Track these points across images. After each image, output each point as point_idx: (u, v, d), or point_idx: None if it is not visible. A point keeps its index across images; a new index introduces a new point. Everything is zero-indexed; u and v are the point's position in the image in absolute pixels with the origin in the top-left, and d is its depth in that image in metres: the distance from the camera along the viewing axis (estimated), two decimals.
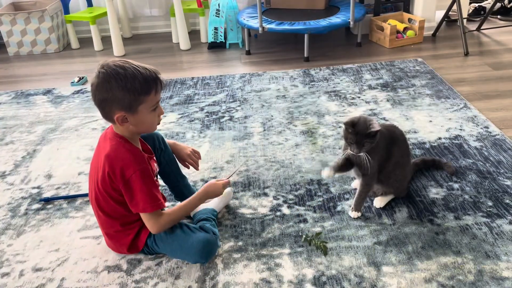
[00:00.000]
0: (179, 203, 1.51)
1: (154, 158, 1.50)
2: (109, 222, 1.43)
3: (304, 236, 1.53)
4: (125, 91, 1.24)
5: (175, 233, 1.42)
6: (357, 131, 1.47)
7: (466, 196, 1.67)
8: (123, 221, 1.42)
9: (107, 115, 1.31)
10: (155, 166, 1.47)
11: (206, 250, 1.41)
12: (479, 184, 1.73)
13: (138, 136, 1.41)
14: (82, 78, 3.02)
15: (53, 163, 2.08)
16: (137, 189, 1.32)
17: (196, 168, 1.67)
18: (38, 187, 1.90)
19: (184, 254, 1.43)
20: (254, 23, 3.16)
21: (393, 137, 1.57)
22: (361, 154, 1.48)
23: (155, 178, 1.45)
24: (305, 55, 3.14)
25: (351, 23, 3.11)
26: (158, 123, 1.39)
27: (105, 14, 3.53)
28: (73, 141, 2.26)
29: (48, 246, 1.57)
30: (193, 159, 1.65)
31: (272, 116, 2.38)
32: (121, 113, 1.28)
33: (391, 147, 1.55)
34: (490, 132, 2.08)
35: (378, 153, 1.52)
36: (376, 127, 1.45)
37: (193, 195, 1.49)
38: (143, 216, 1.37)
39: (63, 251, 1.54)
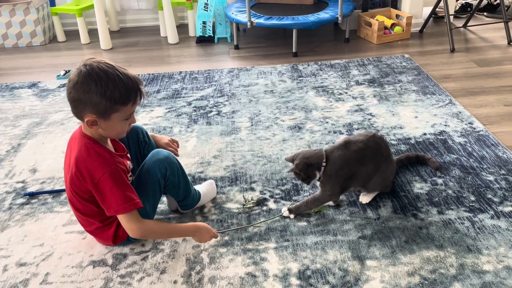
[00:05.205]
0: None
1: (128, 155, 1.48)
2: (87, 221, 1.43)
3: (243, 205, 1.67)
4: (102, 97, 1.21)
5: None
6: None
7: (450, 191, 1.70)
8: (100, 218, 1.42)
9: (77, 114, 1.27)
10: (128, 163, 1.44)
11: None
12: (463, 179, 1.76)
13: (107, 137, 1.38)
14: (68, 71, 2.99)
15: (38, 157, 2.06)
16: (107, 191, 1.29)
17: (177, 155, 1.66)
18: (22, 182, 1.88)
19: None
20: (243, 17, 3.16)
21: (375, 148, 1.60)
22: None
23: (130, 174, 1.44)
24: (294, 50, 3.14)
25: (340, 18, 3.12)
26: (128, 131, 1.37)
27: (92, 6, 3.49)
28: (59, 135, 2.24)
29: (33, 241, 1.56)
30: (173, 146, 1.65)
31: (260, 111, 2.38)
32: (92, 116, 1.25)
33: (375, 158, 1.60)
34: (474, 128, 2.10)
35: (337, 178, 1.57)
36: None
37: (184, 224, 1.48)
38: (121, 219, 1.33)
39: (48, 245, 1.53)
